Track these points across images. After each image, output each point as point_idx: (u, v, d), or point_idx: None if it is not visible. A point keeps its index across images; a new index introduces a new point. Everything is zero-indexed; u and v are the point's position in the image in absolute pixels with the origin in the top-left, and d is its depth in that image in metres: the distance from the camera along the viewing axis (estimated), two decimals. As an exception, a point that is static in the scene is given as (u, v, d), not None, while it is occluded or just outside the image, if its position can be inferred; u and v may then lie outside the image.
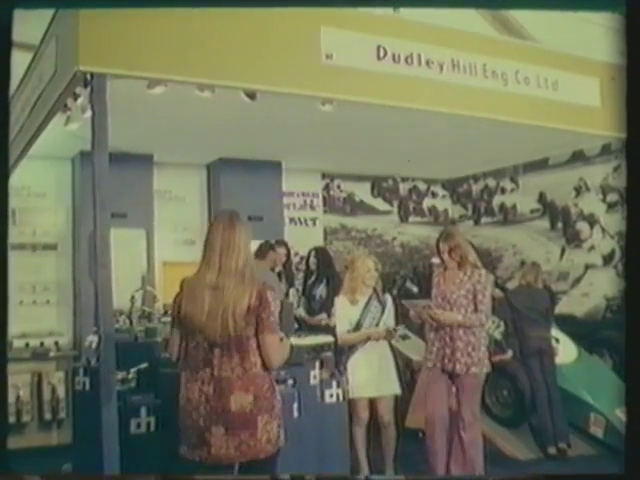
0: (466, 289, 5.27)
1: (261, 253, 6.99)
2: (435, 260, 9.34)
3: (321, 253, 7.48)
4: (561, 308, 7.26)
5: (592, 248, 8.47)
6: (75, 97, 4.74)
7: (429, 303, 5.38)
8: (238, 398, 3.41)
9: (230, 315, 3.41)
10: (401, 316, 5.78)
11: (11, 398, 7.26)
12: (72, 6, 4.25)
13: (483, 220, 10.17)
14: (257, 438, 3.43)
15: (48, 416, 7.40)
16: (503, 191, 9.81)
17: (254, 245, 6.96)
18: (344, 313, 5.62)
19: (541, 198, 9.20)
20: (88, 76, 4.24)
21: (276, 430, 3.51)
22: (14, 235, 7.59)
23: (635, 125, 3.14)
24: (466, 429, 5.28)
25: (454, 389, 5.34)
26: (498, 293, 7.94)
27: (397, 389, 5.56)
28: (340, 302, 5.68)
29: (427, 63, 5.24)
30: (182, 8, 4.27)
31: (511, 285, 8.82)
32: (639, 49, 3.13)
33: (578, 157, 8.48)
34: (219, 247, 3.51)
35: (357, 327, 5.55)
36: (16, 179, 6.69)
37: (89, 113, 4.37)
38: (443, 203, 10.58)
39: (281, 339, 3.60)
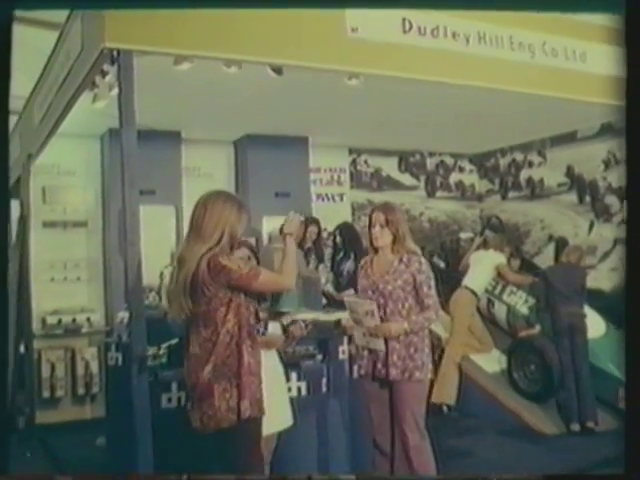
0: (404, 279, 4.32)
1: (286, 229, 7.03)
2: (463, 235, 9.38)
3: (347, 229, 7.50)
4: (589, 283, 7.21)
5: (622, 222, 8.39)
6: (103, 74, 4.76)
7: (372, 308, 4.29)
8: None
9: None
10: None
11: (45, 373, 7.41)
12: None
13: (510, 194, 10.10)
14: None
15: (81, 391, 7.54)
16: (530, 165, 9.73)
17: (280, 221, 7.03)
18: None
19: (569, 172, 9.11)
20: (114, 53, 4.25)
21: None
22: (45, 213, 7.68)
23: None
24: (414, 450, 4.32)
25: (389, 400, 4.42)
26: (522, 277, 7.93)
27: None
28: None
29: (453, 36, 5.19)
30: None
31: (538, 260, 8.81)
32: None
33: (607, 130, 8.37)
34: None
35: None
36: (46, 157, 6.79)
37: (116, 90, 4.36)
38: (470, 178, 10.51)
39: None
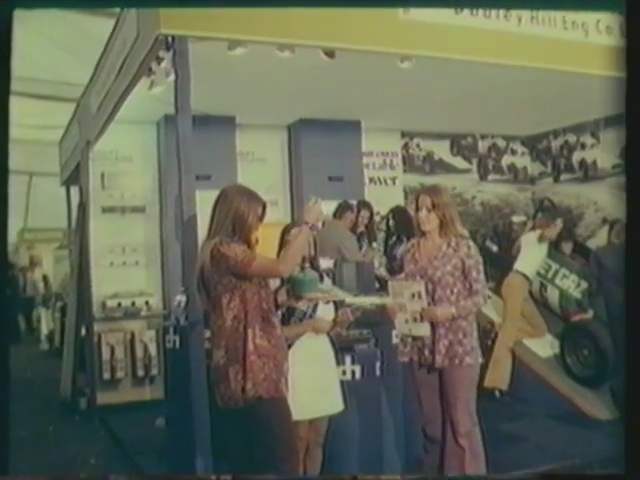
0: (453, 265, 4.19)
1: (339, 213, 7.08)
2: (515, 218, 9.28)
3: (400, 213, 7.49)
4: (645, 265, 7.04)
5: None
6: (158, 61, 4.80)
7: (419, 289, 4.15)
8: None
9: None
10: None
11: (106, 356, 7.59)
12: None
13: (563, 177, 9.95)
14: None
15: (141, 373, 7.70)
16: (583, 147, 9.56)
17: (332, 205, 7.05)
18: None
19: (623, 153, 8.93)
20: (170, 39, 4.30)
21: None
22: (104, 198, 7.83)
23: None
24: (464, 437, 4.19)
25: (439, 386, 4.27)
26: (571, 259, 7.82)
27: None
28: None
29: (505, 16, 5.15)
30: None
31: (591, 243, 8.67)
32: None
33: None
34: None
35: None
36: (104, 144, 6.92)
37: (172, 76, 4.42)
38: (522, 160, 10.37)
39: None
